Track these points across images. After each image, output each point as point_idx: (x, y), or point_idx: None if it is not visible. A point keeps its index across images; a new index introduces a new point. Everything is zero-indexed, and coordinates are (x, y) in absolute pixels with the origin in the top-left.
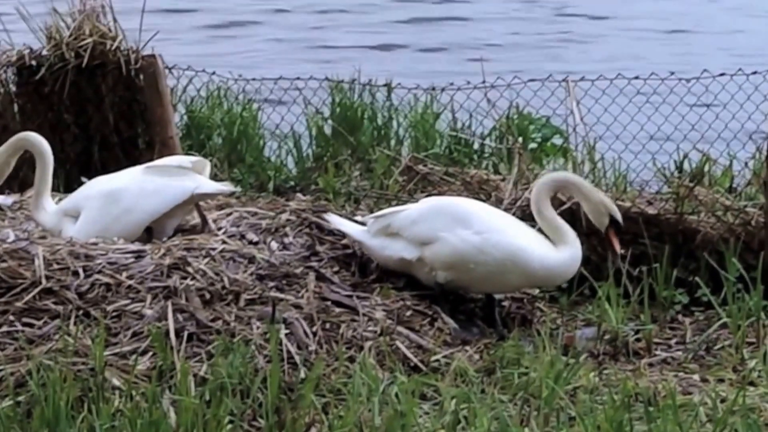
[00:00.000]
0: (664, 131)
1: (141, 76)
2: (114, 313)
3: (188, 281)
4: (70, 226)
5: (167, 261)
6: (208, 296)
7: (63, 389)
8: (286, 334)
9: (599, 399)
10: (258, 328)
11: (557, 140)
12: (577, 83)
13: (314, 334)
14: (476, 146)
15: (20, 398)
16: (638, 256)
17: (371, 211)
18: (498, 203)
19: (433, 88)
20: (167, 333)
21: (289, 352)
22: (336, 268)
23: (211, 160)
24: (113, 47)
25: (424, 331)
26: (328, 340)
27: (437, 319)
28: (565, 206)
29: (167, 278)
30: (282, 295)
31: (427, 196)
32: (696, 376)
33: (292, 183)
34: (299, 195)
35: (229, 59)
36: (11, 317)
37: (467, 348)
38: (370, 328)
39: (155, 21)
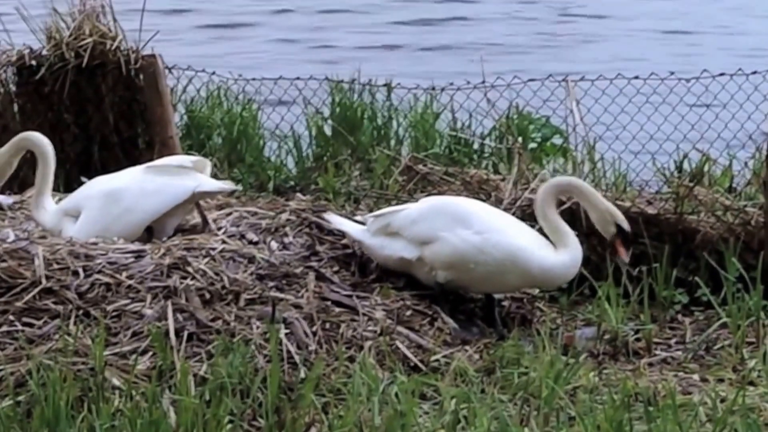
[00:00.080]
0: (664, 131)
1: (141, 76)
2: (114, 313)
3: (188, 281)
4: (71, 226)
5: (167, 261)
6: (208, 296)
7: (63, 389)
8: (286, 334)
9: (599, 399)
10: (258, 327)
11: (557, 140)
12: (577, 83)
13: (314, 333)
14: (476, 146)
15: (20, 398)
16: (638, 256)
17: (371, 211)
18: (498, 203)
19: (433, 88)
20: (167, 333)
21: (289, 351)
22: (336, 268)
23: (211, 160)
24: (113, 47)
25: (424, 330)
26: (328, 340)
27: (437, 318)
28: (565, 206)
29: (167, 278)
30: (282, 295)
31: (426, 195)
32: (696, 376)
33: (292, 183)
34: (299, 195)
35: (229, 60)
36: (11, 317)
37: (467, 348)
38: (369, 328)
39: (156, 22)
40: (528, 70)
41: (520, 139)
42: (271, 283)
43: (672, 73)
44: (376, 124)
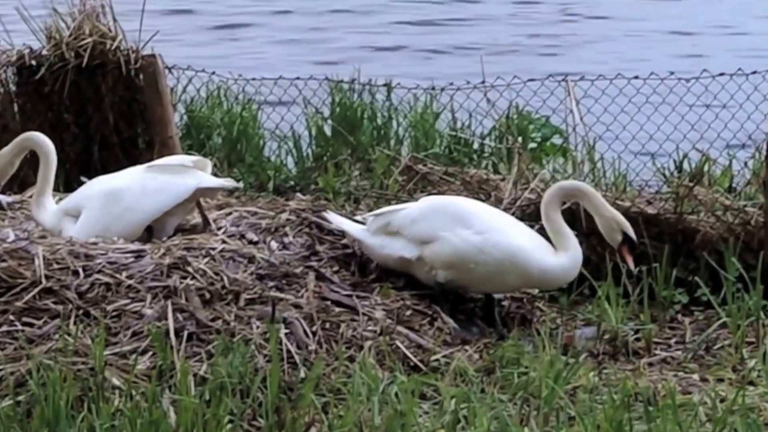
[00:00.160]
0: (663, 131)
1: (141, 76)
2: (114, 313)
3: (188, 281)
4: (71, 226)
5: (167, 260)
6: (208, 296)
7: (63, 389)
8: (285, 334)
9: (599, 398)
10: (258, 327)
11: (557, 140)
12: (577, 83)
13: (314, 333)
14: (476, 146)
15: (20, 398)
16: (638, 256)
17: (371, 211)
18: (497, 203)
19: (433, 88)
20: (167, 332)
21: (288, 351)
22: (336, 268)
23: (210, 160)
24: (113, 47)
25: (423, 330)
26: (327, 340)
27: (437, 318)
28: (565, 206)
29: (167, 278)
30: (282, 295)
31: (426, 195)
32: (695, 376)
33: (292, 183)
34: (299, 195)
35: (230, 61)
36: (11, 317)
37: (467, 348)
38: (369, 328)
39: (156, 22)
40: (528, 70)
41: (519, 139)
42: (271, 283)
43: (672, 73)
44: (376, 124)
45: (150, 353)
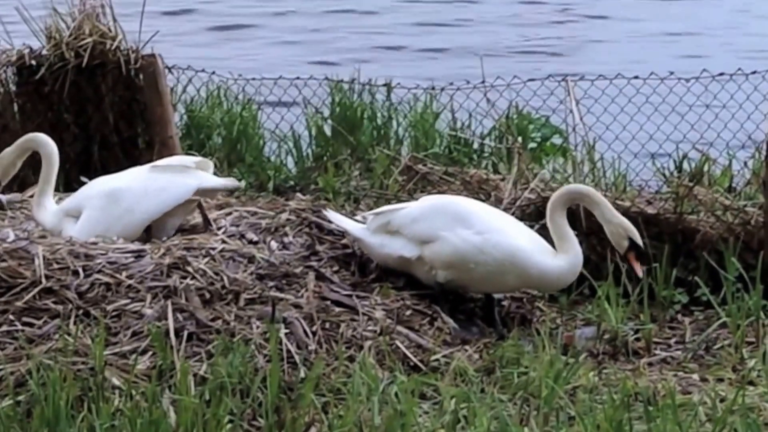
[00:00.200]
0: (663, 131)
1: (141, 76)
2: (114, 313)
3: (188, 281)
4: (71, 226)
5: (167, 260)
6: (207, 296)
7: (63, 389)
8: (285, 334)
9: (599, 398)
10: (258, 327)
11: (557, 140)
12: (577, 83)
13: (314, 333)
14: (476, 146)
15: (20, 398)
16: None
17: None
18: (497, 203)
19: (433, 88)
20: (167, 332)
21: (288, 351)
22: (336, 268)
23: (211, 160)
24: (113, 47)
25: (423, 330)
26: (327, 340)
27: (437, 318)
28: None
29: (167, 278)
30: (282, 295)
31: (426, 195)
32: (695, 376)
33: (292, 183)
34: (299, 195)
35: (230, 61)
36: (11, 317)
37: (467, 347)
38: (369, 328)
39: (156, 23)
40: (528, 70)
41: (519, 138)
42: (271, 283)
43: (671, 73)
44: (375, 124)
45: (150, 353)
